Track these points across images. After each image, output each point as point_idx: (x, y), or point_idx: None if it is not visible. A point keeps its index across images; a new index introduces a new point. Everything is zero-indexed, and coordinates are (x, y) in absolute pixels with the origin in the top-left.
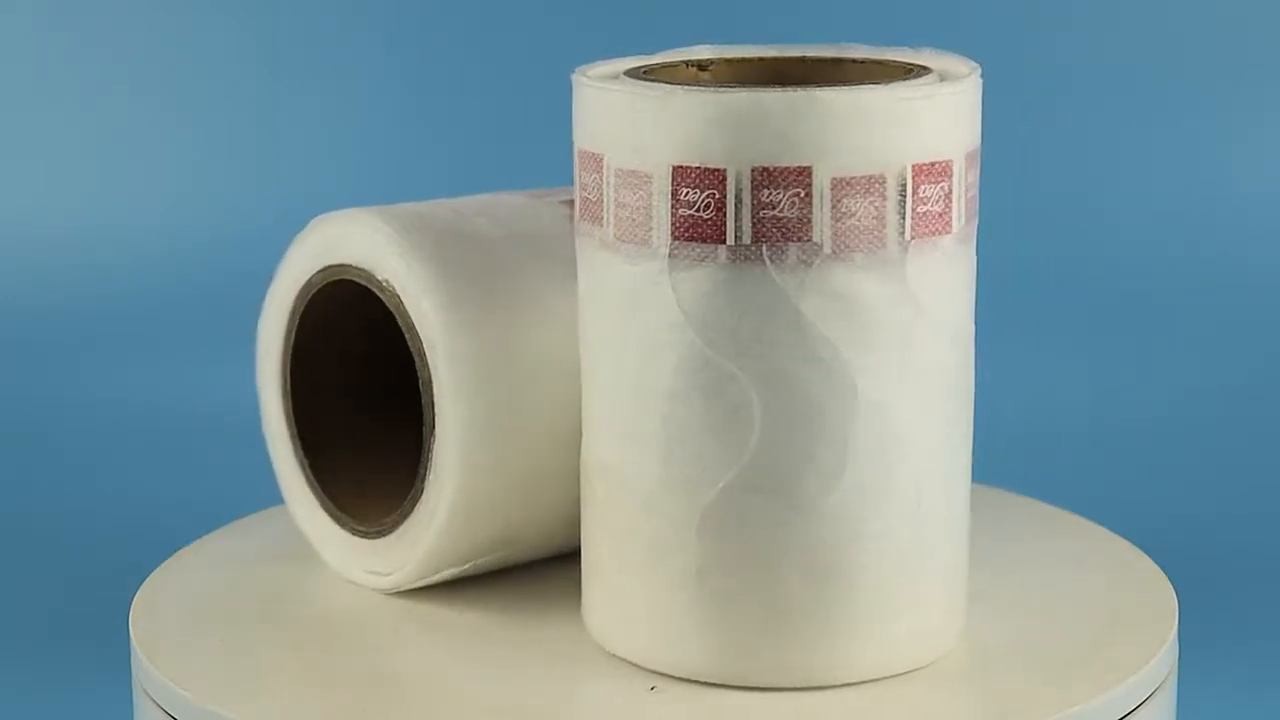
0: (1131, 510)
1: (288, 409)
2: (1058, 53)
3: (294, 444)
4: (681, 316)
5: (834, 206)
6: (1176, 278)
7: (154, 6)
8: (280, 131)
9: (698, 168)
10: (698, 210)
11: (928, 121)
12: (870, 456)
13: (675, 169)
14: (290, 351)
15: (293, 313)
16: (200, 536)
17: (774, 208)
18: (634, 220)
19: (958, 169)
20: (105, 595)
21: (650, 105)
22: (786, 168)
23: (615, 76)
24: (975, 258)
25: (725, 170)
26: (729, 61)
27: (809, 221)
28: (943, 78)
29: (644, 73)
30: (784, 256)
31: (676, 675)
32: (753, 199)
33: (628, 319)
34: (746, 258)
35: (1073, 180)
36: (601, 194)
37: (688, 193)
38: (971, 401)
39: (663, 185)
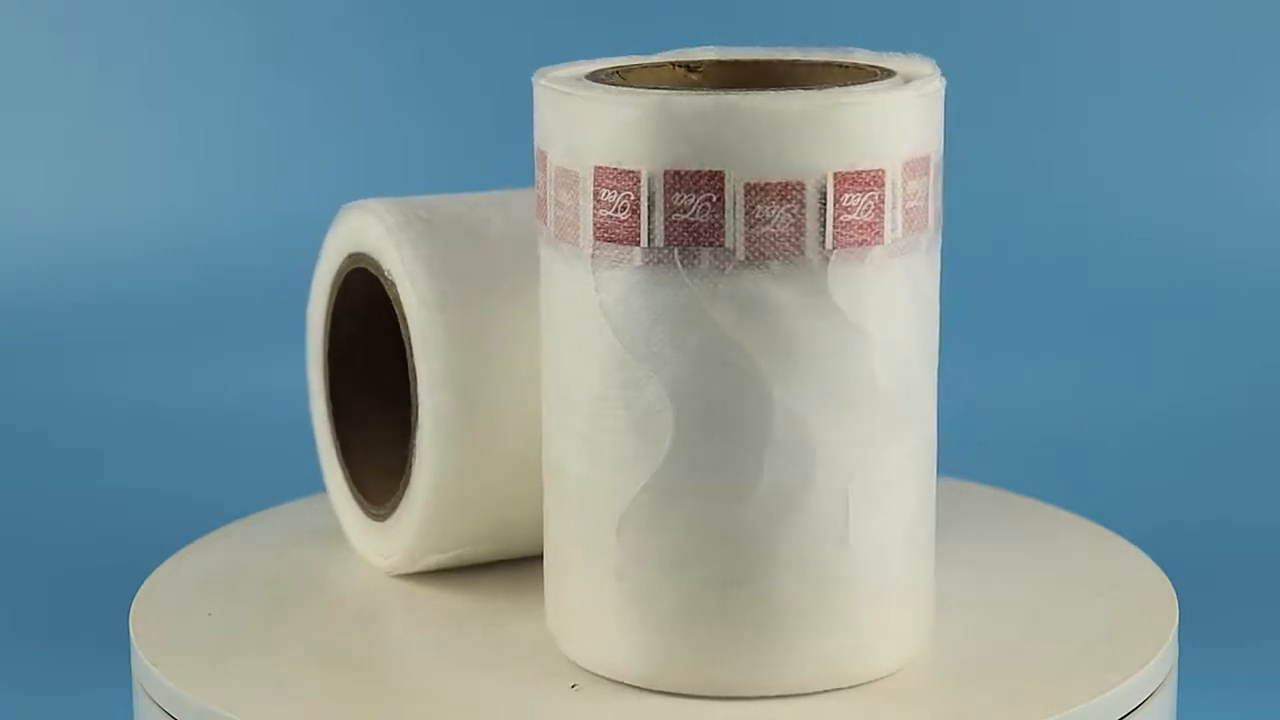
0: (1131, 510)
1: (327, 391)
2: (1057, 53)
3: (331, 426)
4: (603, 318)
5: (747, 212)
6: (1178, 278)
7: (155, 6)
8: (282, 132)
9: (615, 168)
10: (615, 211)
11: (853, 128)
12: (786, 469)
13: (597, 169)
14: (329, 335)
15: (330, 298)
16: (200, 536)
17: (685, 211)
18: (566, 220)
19: (891, 178)
20: (105, 595)
21: (578, 105)
22: (697, 171)
23: (576, 77)
24: (926, 270)
25: (639, 172)
26: (720, 64)
27: (721, 227)
28: (907, 83)
29: (614, 73)
30: (696, 261)
31: (604, 675)
32: (665, 202)
33: (563, 318)
34: (660, 261)
35: (1074, 180)
36: (546, 192)
37: (607, 193)
38: (923, 421)
39: (587, 185)
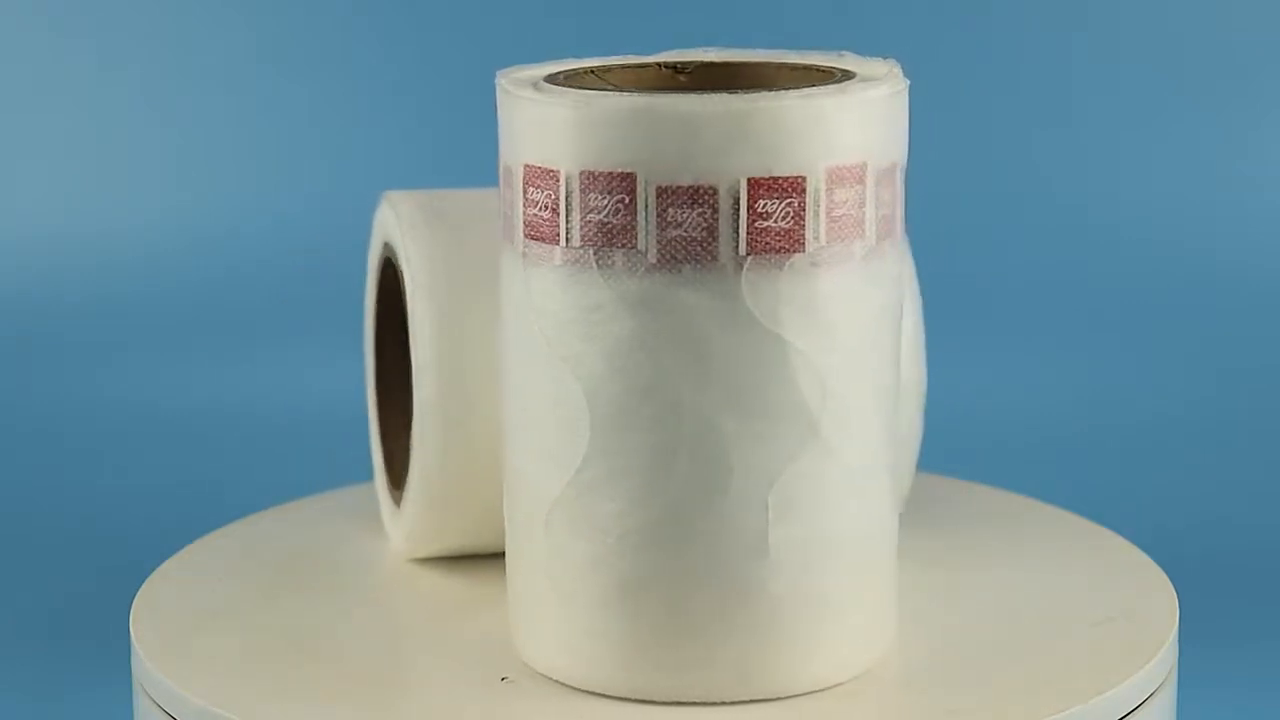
0: (1131, 510)
1: (374, 376)
2: (1057, 54)
3: (375, 410)
4: (533, 315)
5: (659, 215)
6: (1178, 278)
7: (155, 6)
8: (282, 132)
9: (540, 168)
10: (539, 210)
11: (768, 133)
12: (699, 476)
13: (525, 167)
14: (376, 322)
15: (376, 284)
16: (200, 536)
17: (599, 212)
18: (507, 216)
19: (814, 185)
20: (105, 595)
21: (513, 105)
22: (610, 173)
23: (533, 78)
24: (865, 281)
25: (559, 172)
26: (709, 65)
27: (633, 229)
28: (844, 87)
29: (589, 73)
30: (611, 262)
31: (542, 673)
32: (581, 202)
33: (506, 315)
34: (577, 261)
35: (1074, 180)
36: (500, 190)
37: (533, 192)
38: (861, 434)
39: (518, 183)
